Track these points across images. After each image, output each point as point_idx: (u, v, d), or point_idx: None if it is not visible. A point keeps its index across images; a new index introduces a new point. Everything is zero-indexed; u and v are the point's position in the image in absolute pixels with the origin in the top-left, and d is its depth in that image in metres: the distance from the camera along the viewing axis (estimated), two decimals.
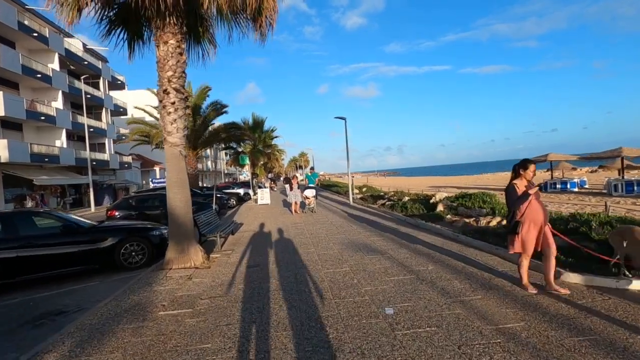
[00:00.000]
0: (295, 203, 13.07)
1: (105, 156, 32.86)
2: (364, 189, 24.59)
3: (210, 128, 18.41)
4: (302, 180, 20.72)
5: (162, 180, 18.69)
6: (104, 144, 33.55)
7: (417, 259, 5.78)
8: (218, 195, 16.20)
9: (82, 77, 26.49)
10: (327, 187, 36.24)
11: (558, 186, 20.62)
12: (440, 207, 10.44)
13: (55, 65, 26.91)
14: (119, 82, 36.51)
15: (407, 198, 14.45)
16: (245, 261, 6.35)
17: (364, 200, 17.60)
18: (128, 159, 37.37)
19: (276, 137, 25.69)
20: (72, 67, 29.21)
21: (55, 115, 25.76)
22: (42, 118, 24.62)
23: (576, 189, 20.45)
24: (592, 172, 46.85)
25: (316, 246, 7.27)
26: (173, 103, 6.12)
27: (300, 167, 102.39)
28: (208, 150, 76.58)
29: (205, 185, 59.10)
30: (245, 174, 28.69)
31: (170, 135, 6.13)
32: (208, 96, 18.16)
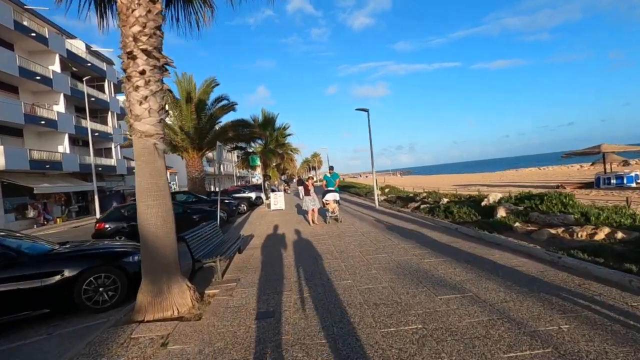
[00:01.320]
0: (313, 211, 10.74)
1: (112, 161, 31.56)
2: (387, 190, 22.37)
3: (216, 127, 16.60)
4: (316, 181, 18.71)
5: None
6: (110, 148, 32.26)
7: (525, 303, 3.63)
8: (226, 200, 14.31)
9: (84, 79, 25.09)
10: (344, 188, 34.12)
11: (613, 181, 17.97)
12: (501, 212, 8.20)
13: (56, 67, 25.64)
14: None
15: (445, 200, 12.22)
16: (254, 304, 4.30)
17: (390, 203, 15.44)
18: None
19: (289, 134, 23.72)
20: (74, 69, 27.94)
21: (56, 119, 24.44)
22: (42, 122, 23.29)
23: (634, 184, 17.77)
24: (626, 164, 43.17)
25: (353, 274, 5.18)
26: (142, 73, 4.14)
27: (314, 168, 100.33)
28: (223, 153, 75.22)
29: (215, 189, 57.84)
30: (257, 177, 27.05)
31: (139, 120, 4.15)
32: (213, 92, 16.40)
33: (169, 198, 4.38)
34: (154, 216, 4.17)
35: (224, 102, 15.72)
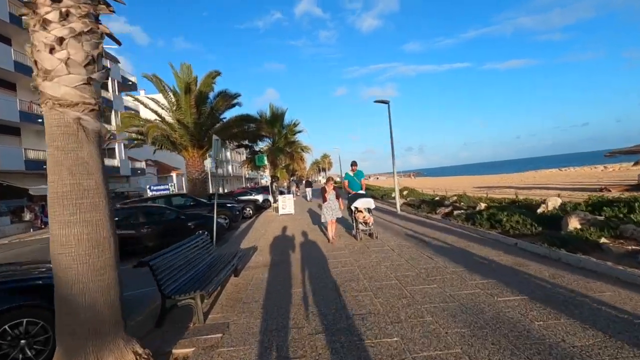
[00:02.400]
0: (332, 223, 7.99)
1: (116, 162, 30.42)
2: (405, 192, 20.51)
3: (219, 123, 15.02)
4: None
5: (163, 186, 15.56)
6: (114, 148, 31.10)
7: None
8: (228, 204, 12.68)
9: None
10: None
11: None
12: (574, 223, 6.32)
13: None
14: (130, 83, 34.15)
15: (483, 205, 10.36)
16: None
17: (413, 208, 13.62)
18: (141, 164, 34.96)
19: (299, 131, 21.77)
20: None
21: None
22: (40, 121, 22.09)
23: None
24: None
25: (398, 323, 3.43)
26: (57, 0, 2.46)
27: (323, 169, 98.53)
28: (228, 153, 73.53)
29: (225, 191, 56.32)
30: (266, 178, 25.40)
31: (51, 78, 2.48)
32: (215, 83, 14.80)
33: (105, 210, 2.71)
34: (76, 242, 2.49)
35: (226, 94, 14.09)
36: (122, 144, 31.98)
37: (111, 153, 31.14)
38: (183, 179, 45.65)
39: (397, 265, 5.56)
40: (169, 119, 14.31)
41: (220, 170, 66.54)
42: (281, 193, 35.09)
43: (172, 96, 14.31)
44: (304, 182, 51.85)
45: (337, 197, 8.03)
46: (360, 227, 8.02)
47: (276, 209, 15.81)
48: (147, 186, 15.84)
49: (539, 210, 7.81)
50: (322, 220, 8.21)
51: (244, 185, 61.34)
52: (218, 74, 13.95)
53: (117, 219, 9.63)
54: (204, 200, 12.74)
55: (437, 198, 14.37)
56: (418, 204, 13.83)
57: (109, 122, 31.00)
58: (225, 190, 50.32)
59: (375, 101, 13.17)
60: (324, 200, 8.00)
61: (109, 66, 19.10)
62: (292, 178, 55.77)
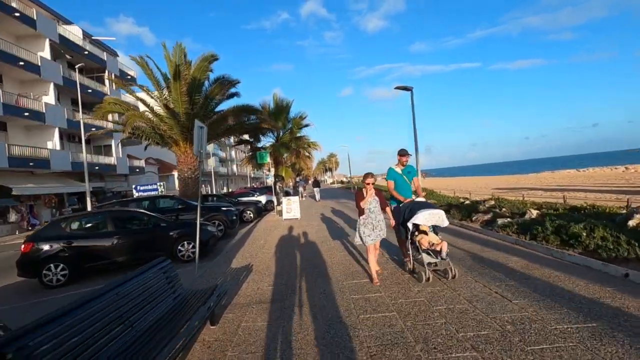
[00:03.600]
0: (374, 249, 5.03)
1: (112, 160, 28.80)
2: (423, 195, 18.45)
3: (215, 115, 13.14)
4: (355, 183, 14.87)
5: (151, 185, 13.75)
6: (110, 146, 29.50)
7: None
8: (224, 208, 10.82)
9: (76, 66, 22.26)
10: None
11: None
12: None
13: (45, 53, 22.94)
14: (129, 77, 32.53)
15: (534, 211, 8.34)
16: None
17: None
18: (140, 162, 33.36)
19: (306, 125, 19.55)
20: (69, 57, 25.23)
21: (44, 111, 21.66)
22: (26, 114, 20.51)
23: None
24: None
25: None
26: None
27: (329, 169, 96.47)
28: (233, 152, 71.59)
29: (229, 190, 54.22)
30: (272, 177, 23.33)
31: None
32: (212, 71, 12.93)
33: None
34: None
35: (224, 81, 12.15)
36: (119, 142, 30.38)
37: (107, 150, 29.57)
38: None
39: (458, 315, 3.60)
40: (158, 109, 12.51)
41: (234, 171, 64.53)
42: (286, 194, 33.11)
43: (162, 82, 12.51)
44: (310, 181, 49.64)
45: (383, 207, 4.99)
46: (425, 258, 4.71)
47: (280, 213, 13.92)
48: (133, 186, 14.04)
49: (632, 223, 5.78)
50: (356, 242, 5.09)
51: (248, 185, 59.57)
52: (214, 57, 12.04)
53: (81, 226, 7.84)
54: (192, 203, 10.89)
55: (466, 202, 12.34)
56: (446, 209, 11.81)
57: (106, 118, 29.40)
58: (223, 191, 48.48)
59: (397, 87, 11.22)
60: (360, 210, 4.89)
61: (104, 58, 17.02)
62: (298, 178, 53.61)
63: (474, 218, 9.51)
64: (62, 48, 24.32)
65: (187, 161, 12.62)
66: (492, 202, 10.60)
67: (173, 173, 41.79)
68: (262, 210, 16.09)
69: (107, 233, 7.44)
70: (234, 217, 11.22)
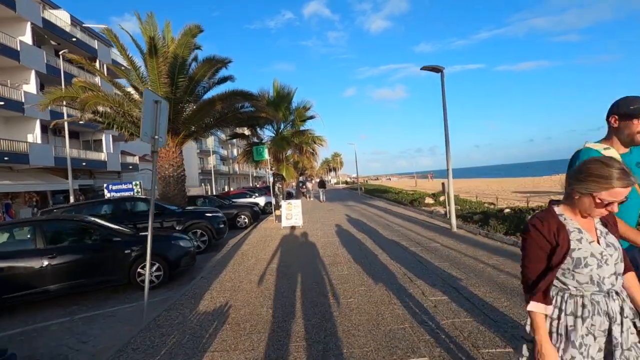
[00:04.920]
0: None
1: (102, 156, 26.84)
2: (442, 198, 16.26)
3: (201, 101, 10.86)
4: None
5: (126, 185, 11.70)
6: (101, 140, 27.55)
7: None
8: (209, 214, 8.78)
9: (60, 53, 20.27)
10: (371, 192, 28.14)
11: None
12: None
13: (26, 38, 20.97)
14: (123, 68, 30.51)
15: None
16: None
17: (472, 223, 9.49)
18: (134, 159, 31.40)
19: (310, 117, 16.70)
20: (55, 44, 23.26)
21: (22, 100, 19.68)
22: (1, 104, 18.55)
23: None
24: None
25: None
26: None
27: (334, 169, 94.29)
28: (235, 150, 69.26)
29: (229, 189, 51.91)
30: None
31: None
32: (200, 49, 10.80)
33: None
34: None
35: (214, 59, 10.03)
36: (111, 136, 28.43)
37: (97, 146, 27.62)
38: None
39: None
40: (137, 96, 10.45)
41: (235, 170, 61.79)
42: (289, 195, 30.86)
43: (140, 61, 10.46)
44: (313, 181, 47.33)
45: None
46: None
47: (279, 218, 11.81)
48: (105, 185, 12.00)
49: None
50: None
51: (251, 185, 57.40)
52: (199, 29, 9.81)
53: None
54: (173, 208, 8.79)
55: (505, 209, 10.14)
56: (479, 218, 9.64)
57: None
58: (216, 191, 46.28)
59: (423, 68, 9.08)
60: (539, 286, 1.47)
61: (95, 46, 14.72)
62: (301, 177, 51.05)
63: None
64: (46, 33, 22.36)
65: (169, 156, 10.54)
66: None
67: None
68: (259, 215, 14.00)
69: (35, 251, 5.35)
70: (221, 225, 9.11)
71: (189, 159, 47.46)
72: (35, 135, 21.09)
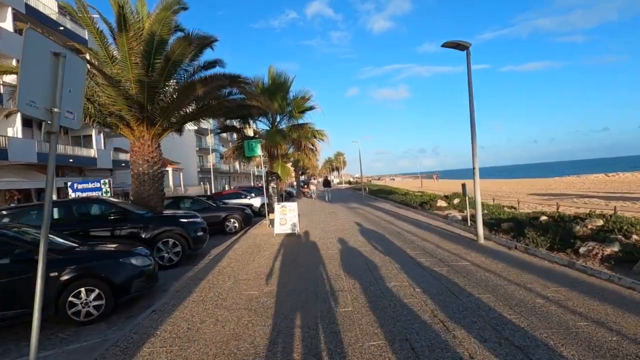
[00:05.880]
0: None
1: (92, 152, 25.42)
2: (456, 201, 14.66)
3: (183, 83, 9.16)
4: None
5: (93, 184, 10.06)
6: (91, 136, 26.12)
7: None
8: (185, 220, 7.29)
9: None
10: (375, 193, 26.49)
11: None
12: None
13: (7, 24, 19.57)
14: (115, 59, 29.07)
15: None
16: None
17: (502, 232, 7.90)
18: (127, 156, 29.95)
19: (310, 108, 14.30)
20: (38, 31, 21.79)
21: (1, 91, 18.27)
22: None
23: None
24: None
25: None
26: None
27: (337, 168, 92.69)
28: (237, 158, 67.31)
29: (231, 187, 50.23)
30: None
31: None
32: (184, 32, 9.18)
33: None
34: None
35: (197, 36, 8.44)
36: (102, 132, 27.02)
37: (87, 142, 26.21)
38: (181, 175, 40.64)
39: None
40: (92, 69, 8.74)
41: (236, 168, 59.24)
42: (289, 196, 29.09)
43: (106, 37, 8.92)
44: (317, 180, 45.64)
45: None
46: None
47: (273, 222, 10.24)
48: (68, 183, 10.45)
49: None
50: None
51: (252, 184, 55.83)
52: (179, 4, 8.21)
53: None
54: (141, 212, 7.24)
55: (541, 217, 8.50)
56: (509, 227, 8.02)
57: None
58: (216, 191, 44.64)
59: (445, 44, 7.49)
60: None
61: (85, 37, 12.63)
62: (303, 177, 49.33)
63: (581, 249, 5.72)
64: (30, 19, 20.92)
65: (143, 150, 9.02)
66: (602, 221, 6.75)
67: (167, 168, 38.47)
68: (251, 218, 12.44)
69: None
70: (200, 233, 7.56)
71: (188, 157, 46.12)
72: (15, 130, 19.69)
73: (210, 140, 48.08)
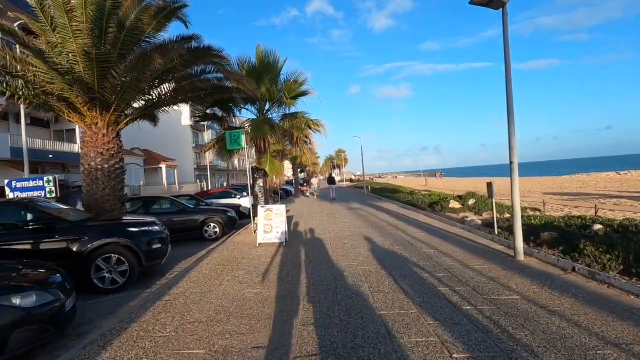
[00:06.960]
0: None
1: (76, 147, 23.80)
2: (471, 202, 12.87)
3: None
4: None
5: (35, 182, 8.38)
6: (75, 130, 24.48)
7: None
8: (135, 230, 5.54)
9: (15, 25, 17.15)
10: (379, 192, 24.74)
11: None
12: None
13: None
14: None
15: None
16: None
17: (536, 245, 6.17)
18: None
19: (303, 93, 12.01)
20: (11, 15, 20.15)
21: None
22: None
23: None
24: None
25: None
26: None
27: (338, 166, 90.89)
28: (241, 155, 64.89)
29: (227, 184, 48.36)
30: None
31: None
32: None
33: None
34: None
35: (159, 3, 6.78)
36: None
37: (71, 136, 24.60)
38: (175, 172, 38.91)
39: None
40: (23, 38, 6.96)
41: (236, 165, 56.13)
42: (286, 194, 27.19)
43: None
44: (318, 178, 43.81)
45: None
46: None
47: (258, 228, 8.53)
48: (6, 182, 8.82)
49: None
50: None
51: (250, 182, 53.97)
52: None
53: None
54: (75, 220, 5.54)
55: (594, 225, 6.75)
56: (551, 237, 6.27)
57: None
58: (203, 189, 42.79)
59: (472, 2, 5.73)
60: None
61: None
62: (302, 174, 47.48)
63: None
64: (5, 4, 19.27)
65: (96, 141, 7.33)
66: None
67: (161, 165, 36.90)
68: (236, 221, 10.74)
69: None
70: (156, 245, 5.86)
71: (184, 154, 44.35)
72: None
73: (207, 136, 46.34)
